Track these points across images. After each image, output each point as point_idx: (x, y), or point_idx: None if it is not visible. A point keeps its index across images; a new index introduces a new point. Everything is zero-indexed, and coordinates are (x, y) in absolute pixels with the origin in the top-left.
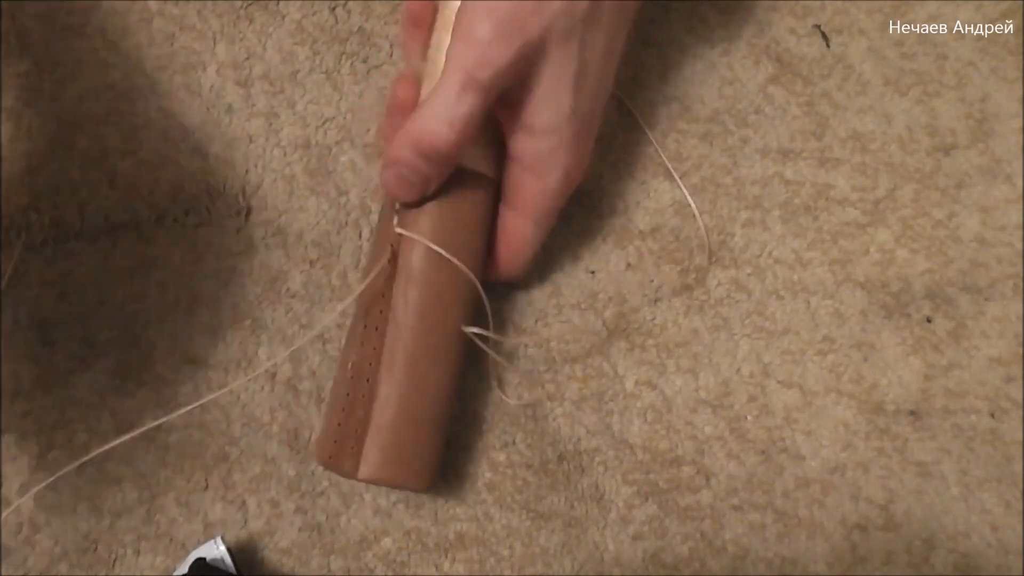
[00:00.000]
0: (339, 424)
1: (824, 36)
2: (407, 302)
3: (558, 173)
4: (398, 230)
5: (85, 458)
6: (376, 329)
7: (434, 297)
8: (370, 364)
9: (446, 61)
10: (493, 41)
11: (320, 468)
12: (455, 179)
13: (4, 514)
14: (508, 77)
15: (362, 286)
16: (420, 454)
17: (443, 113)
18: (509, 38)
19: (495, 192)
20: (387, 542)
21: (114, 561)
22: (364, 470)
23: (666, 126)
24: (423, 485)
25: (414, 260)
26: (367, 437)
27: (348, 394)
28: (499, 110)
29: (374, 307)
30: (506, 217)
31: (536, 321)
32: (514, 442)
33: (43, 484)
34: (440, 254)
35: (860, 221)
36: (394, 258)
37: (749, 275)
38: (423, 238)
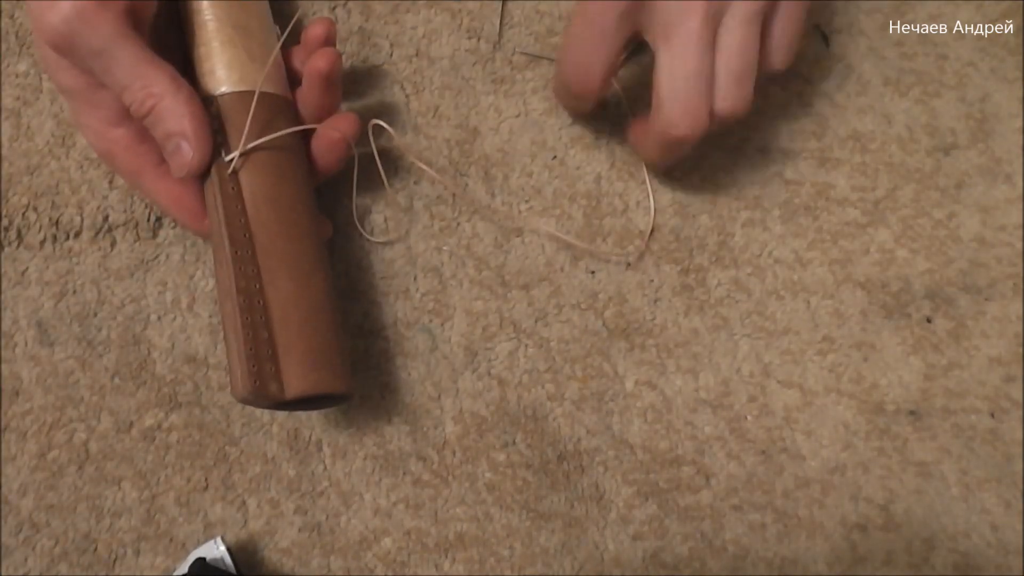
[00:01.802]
0: (249, 350)
1: (824, 36)
2: (265, 220)
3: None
4: (228, 158)
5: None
6: (249, 253)
7: (286, 206)
8: (256, 286)
9: None
10: None
11: (320, 468)
12: (258, 108)
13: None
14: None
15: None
16: (334, 356)
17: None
18: None
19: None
20: (387, 542)
21: (114, 561)
22: (292, 386)
23: None
24: (348, 386)
25: (253, 181)
26: (280, 355)
27: (247, 320)
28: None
29: (236, 233)
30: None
31: (536, 321)
32: (514, 442)
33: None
34: (271, 169)
35: (860, 221)
36: (235, 187)
37: (749, 275)
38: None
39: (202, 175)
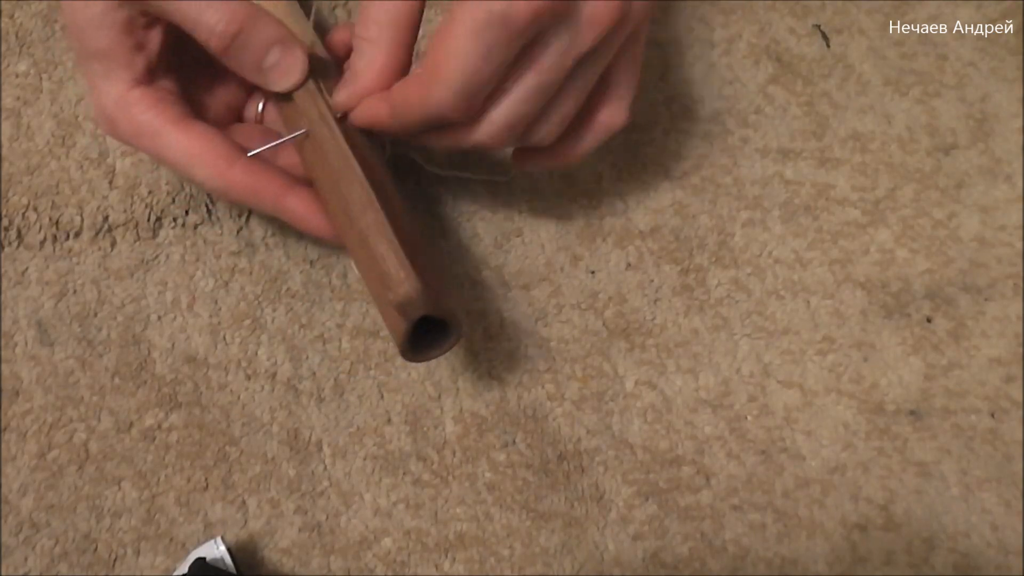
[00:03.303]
0: (406, 253)
1: (824, 36)
2: (360, 142)
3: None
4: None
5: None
6: (367, 168)
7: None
8: (383, 201)
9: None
10: None
11: (320, 468)
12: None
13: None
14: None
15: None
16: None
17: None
18: None
19: None
20: (387, 542)
21: (114, 561)
22: (440, 302)
23: (666, 126)
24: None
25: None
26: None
27: (395, 224)
28: None
29: (354, 146)
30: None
31: (536, 321)
32: (514, 442)
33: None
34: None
35: (860, 221)
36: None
37: (749, 275)
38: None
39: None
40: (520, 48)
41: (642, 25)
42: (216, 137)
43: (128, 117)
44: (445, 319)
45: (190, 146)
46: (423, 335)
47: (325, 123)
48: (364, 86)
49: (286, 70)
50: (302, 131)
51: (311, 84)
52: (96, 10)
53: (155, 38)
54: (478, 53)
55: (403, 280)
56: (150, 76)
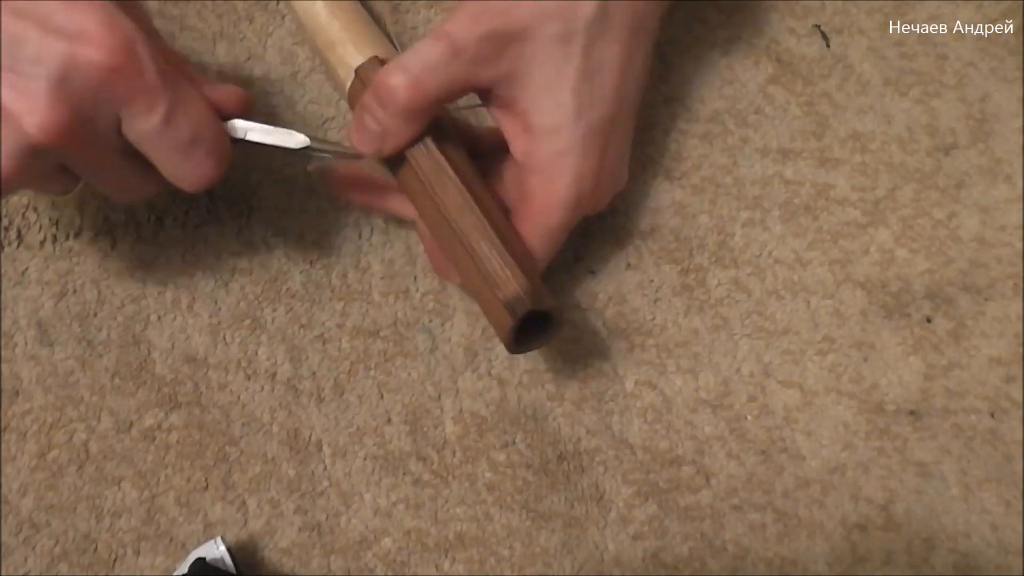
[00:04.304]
0: (510, 254)
1: (824, 36)
2: (453, 150)
3: (567, 179)
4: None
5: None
6: (462, 173)
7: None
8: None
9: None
10: (469, 14)
11: (320, 468)
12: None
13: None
14: (484, 57)
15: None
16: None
17: (409, 61)
18: (484, 15)
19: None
20: (387, 542)
21: (114, 561)
22: (544, 297)
23: (666, 126)
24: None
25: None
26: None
27: (496, 226)
28: (499, 114)
29: (448, 154)
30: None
31: None
32: (514, 442)
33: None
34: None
35: (860, 221)
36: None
37: (749, 275)
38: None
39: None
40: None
41: None
42: None
43: (161, 57)
44: (549, 312)
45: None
46: (524, 328)
47: (420, 139)
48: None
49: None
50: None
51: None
52: None
53: None
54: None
55: (508, 279)
56: None
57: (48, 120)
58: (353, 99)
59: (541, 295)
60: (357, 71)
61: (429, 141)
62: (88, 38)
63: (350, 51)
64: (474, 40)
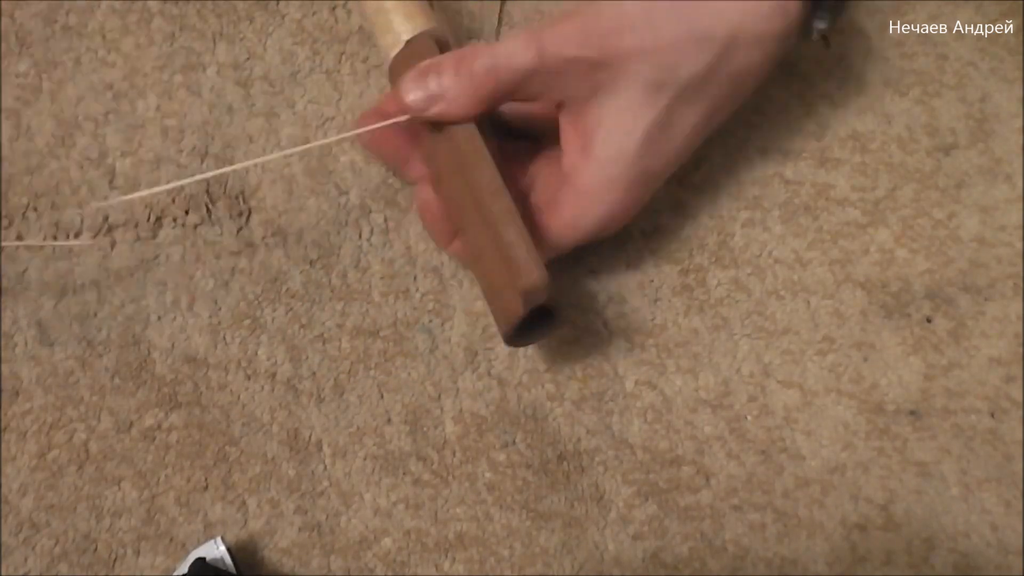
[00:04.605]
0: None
1: (824, 36)
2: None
3: (601, 210)
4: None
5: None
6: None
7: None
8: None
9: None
10: (568, 31)
11: (320, 468)
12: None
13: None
14: (568, 74)
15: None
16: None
17: (499, 51)
18: (583, 38)
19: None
20: (387, 542)
21: (114, 561)
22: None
23: None
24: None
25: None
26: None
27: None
28: (564, 120)
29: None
30: (541, 227)
31: None
32: (514, 442)
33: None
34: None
35: (860, 221)
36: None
37: (749, 275)
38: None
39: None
40: None
41: None
42: None
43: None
44: (552, 310)
45: None
46: (527, 320)
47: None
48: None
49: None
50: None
51: None
52: None
53: None
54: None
55: (532, 269)
56: None
57: None
58: (396, 68)
59: (552, 291)
60: (410, 42)
61: (475, 121)
62: None
63: (399, 19)
64: (564, 60)
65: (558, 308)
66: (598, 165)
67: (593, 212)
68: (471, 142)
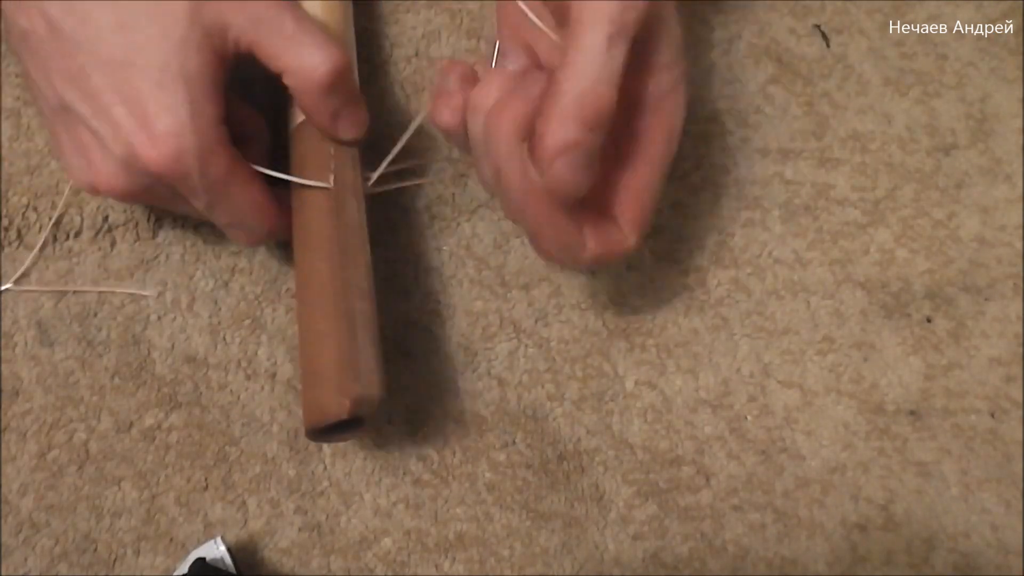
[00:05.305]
0: (348, 356)
1: (824, 36)
2: (356, 237)
3: (681, 112)
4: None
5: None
6: (346, 264)
7: (362, 225)
8: (345, 294)
9: (576, 19)
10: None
11: (320, 468)
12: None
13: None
14: (647, 19)
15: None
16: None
17: (600, 72)
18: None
19: None
20: (387, 542)
21: (114, 561)
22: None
23: None
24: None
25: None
26: (361, 362)
27: (345, 325)
28: None
29: (343, 240)
30: (629, 176)
31: (536, 321)
32: (514, 442)
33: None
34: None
35: (860, 221)
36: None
37: (749, 275)
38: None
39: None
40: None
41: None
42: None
43: (214, 161)
44: (362, 419)
45: (258, 197)
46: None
47: (352, 190)
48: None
49: (357, 123)
50: (325, 185)
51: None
52: (182, 28)
53: (227, 73)
54: (604, 50)
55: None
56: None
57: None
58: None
59: (364, 402)
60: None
61: (359, 199)
62: (145, 141)
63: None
64: (645, 8)
65: (370, 417)
66: (666, 69)
67: (678, 119)
68: (355, 214)
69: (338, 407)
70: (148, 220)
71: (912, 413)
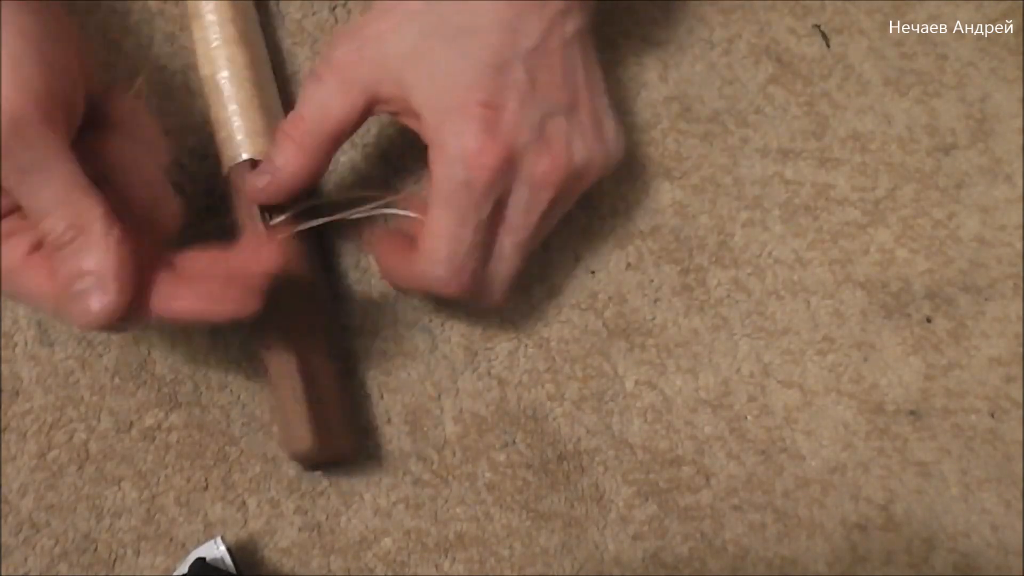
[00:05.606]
0: (313, 406)
1: (824, 36)
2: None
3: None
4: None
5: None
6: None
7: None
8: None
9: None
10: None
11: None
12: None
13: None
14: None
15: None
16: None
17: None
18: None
19: None
20: (387, 542)
21: (114, 561)
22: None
23: (666, 126)
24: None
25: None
26: (328, 412)
27: (306, 376)
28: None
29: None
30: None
31: (536, 321)
32: (514, 442)
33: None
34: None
35: (860, 221)
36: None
37: (749, 275)
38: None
39: (113, 323)
40: (489, 210)
41: (593, 178)
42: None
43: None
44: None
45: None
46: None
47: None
48: (280, 183)
49: (80, 311)
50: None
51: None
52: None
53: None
54: (455, 221)
55: (302, 439)
56: None
57: None
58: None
59: (329, 449)
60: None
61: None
62: None
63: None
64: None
65: (343, 459)
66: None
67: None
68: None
69: (298, 458)
70: None
71: (912, 413)
